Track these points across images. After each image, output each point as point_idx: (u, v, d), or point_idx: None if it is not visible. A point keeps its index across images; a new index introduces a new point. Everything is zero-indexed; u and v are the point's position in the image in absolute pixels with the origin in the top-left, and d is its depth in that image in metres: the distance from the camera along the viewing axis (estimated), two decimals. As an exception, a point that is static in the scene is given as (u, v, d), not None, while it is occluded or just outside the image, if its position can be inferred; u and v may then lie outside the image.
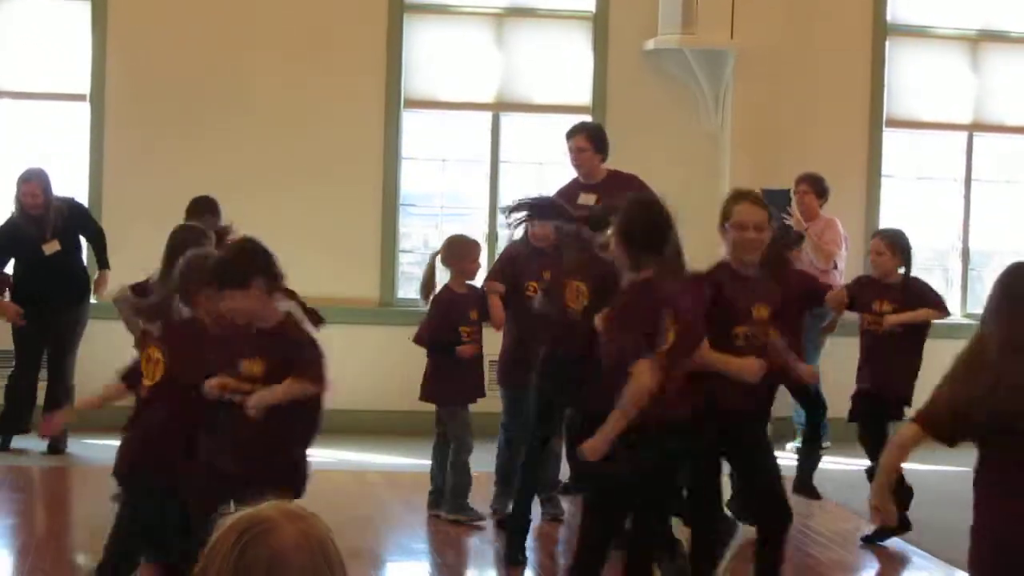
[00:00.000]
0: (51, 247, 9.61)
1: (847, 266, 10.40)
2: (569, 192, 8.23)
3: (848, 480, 8.80)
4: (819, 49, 11.25)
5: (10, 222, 9.72)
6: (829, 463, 8.86)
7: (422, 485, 8.24)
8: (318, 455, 9.73)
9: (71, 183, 10.72)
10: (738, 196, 6.17)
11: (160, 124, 10.76)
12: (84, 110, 10.84)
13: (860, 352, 8.02)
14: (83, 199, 10.67)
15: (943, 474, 7.68)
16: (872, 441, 7.67)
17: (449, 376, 7.95)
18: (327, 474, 9.26)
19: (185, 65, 10.80)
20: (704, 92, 11.13)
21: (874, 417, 7.81)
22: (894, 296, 7.84)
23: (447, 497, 7.98)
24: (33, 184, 9.56)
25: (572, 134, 8.38)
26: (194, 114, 10.79)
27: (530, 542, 7.55)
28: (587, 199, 8.16)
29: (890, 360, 7.77)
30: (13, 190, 9.68)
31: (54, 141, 11.01)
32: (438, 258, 8.13)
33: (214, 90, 10.83)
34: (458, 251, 8.07)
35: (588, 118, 11.17)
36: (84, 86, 10.82)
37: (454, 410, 7.97)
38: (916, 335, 7.82)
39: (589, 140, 8.29)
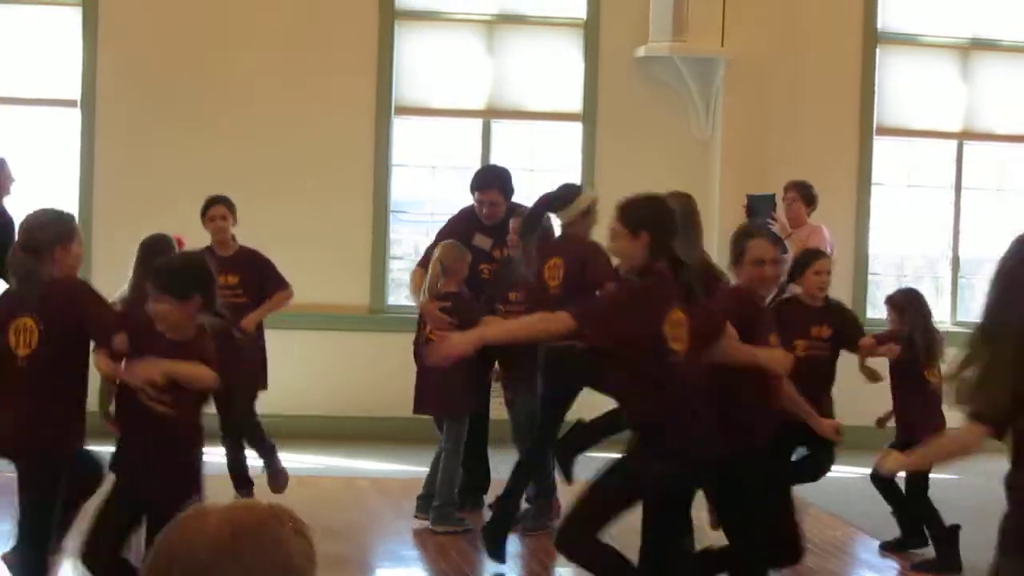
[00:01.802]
0: None
1: (833, 273, 10.36)
2: (463, 231, 8.24)
3: (839, 489, 8.79)
4: (809, 57, 11.26)
5: None
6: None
7: (411, 491, 8.22)
8: (308, 461, 9.85)
9: (61, 189, 10.72)
10: (750, 232, 6.32)
11: (150, 130, 10.75)
12: (75, 116, 10.82)
13: None
14: (73, 205, 10.66)
15: (933, 483, 7.66)
16: None
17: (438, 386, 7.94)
18: (316, 480, 9.26)
19: (175, 71, 10.79)
20: (694, 99, 11.14)
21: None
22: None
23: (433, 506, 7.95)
24: None
25: (485, 187, 8.27)
26: (184, 120, 10.78)
27: (521, 549, 7.57)
28: (484, 241, 8.25)
29: None
30: None
31: (45, 147, 11.00)
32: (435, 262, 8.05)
33: (205, 96, 10.82)
34: (455, 255, 7.98)
35: (579, 125, 11.22)
36: (75, 91, 10.81)
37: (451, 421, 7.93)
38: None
39: (502, 193, 8.26)
